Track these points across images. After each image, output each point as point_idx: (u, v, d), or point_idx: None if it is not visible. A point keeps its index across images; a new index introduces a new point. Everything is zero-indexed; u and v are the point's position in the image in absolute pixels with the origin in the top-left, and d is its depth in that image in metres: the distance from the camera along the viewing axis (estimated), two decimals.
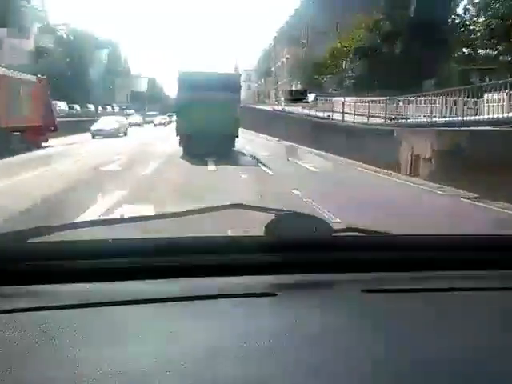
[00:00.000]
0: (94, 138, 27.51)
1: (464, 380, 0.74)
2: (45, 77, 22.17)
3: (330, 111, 24.60)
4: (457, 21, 27.69)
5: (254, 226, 1.60)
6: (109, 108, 50.80)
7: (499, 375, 0.74)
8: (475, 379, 0.74)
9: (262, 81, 72.10)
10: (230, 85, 17.02)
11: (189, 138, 16.36)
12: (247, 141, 22.00)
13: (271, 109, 35.90)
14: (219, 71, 20.77)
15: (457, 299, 1.07)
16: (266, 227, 1.41)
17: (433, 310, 1.00)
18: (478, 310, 1.01)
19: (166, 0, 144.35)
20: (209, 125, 15.55)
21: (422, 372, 0.74)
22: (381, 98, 19.94)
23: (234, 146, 17.64)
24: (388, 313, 0.98)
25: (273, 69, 65.75)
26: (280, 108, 35.06)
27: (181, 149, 16.95)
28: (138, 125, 44.43)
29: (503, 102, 12.47)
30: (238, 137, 17.75)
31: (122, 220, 1.55)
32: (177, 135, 17.46)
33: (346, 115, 21.62)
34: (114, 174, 11.98)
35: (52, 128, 21.86)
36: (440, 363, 0.76)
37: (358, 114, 20.59)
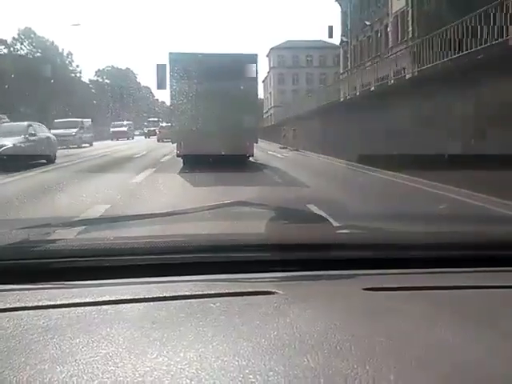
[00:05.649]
0: None
1: (464, 380, 0.73)
2: None
3: None
4: None
5: (255, 223, 1.60)
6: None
7: (500, 376, 0.74)
8: (476, 379, 0.73)
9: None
10: (242, 70, 12.16)
11: (189, 144, 12.08)
12: None
13: None
14: (225, 52, 14.20)
15: (458, 297, 1.06)
16: (267, 225, 1.41)
17: (434, 308, 1.00)
18: (480, 308, 1.01)
19: None
20: (215, 126, 11.58)
21: (422, 371, 0.74)
22: None
23: (252, 155, 12.83)
24: (389, 311, 0.98)
25: None
26: None
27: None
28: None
29: None
30: (257, 142, 13.17)
31: (123, 218, 1.55)
32: (173, 142, 13.14)
33: None
34: None
35: None
36: (441, 362, 0.76)
37: None
